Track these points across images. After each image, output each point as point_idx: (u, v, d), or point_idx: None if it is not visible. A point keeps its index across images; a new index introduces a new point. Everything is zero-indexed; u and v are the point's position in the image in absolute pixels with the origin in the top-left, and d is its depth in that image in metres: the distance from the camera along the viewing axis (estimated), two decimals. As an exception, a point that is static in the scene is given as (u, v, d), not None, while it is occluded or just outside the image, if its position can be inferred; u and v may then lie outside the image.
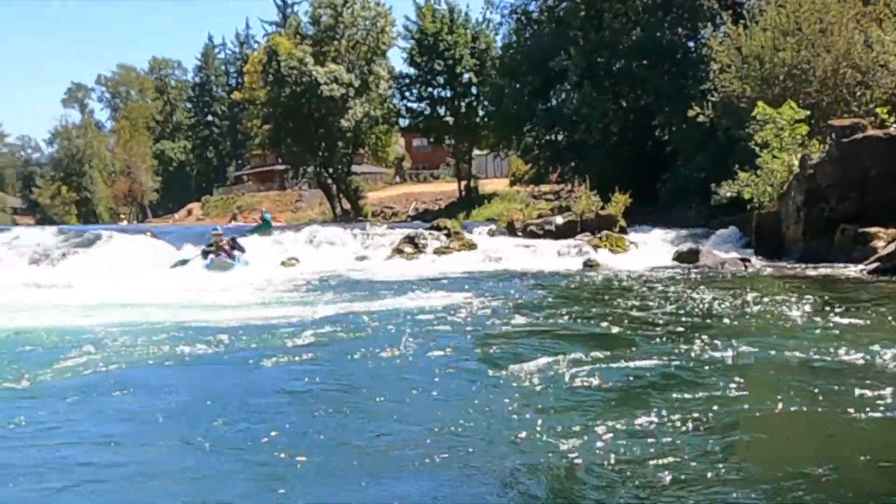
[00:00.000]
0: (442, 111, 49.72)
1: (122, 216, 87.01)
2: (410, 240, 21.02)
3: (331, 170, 50.84)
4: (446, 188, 53.49)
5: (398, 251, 20.40)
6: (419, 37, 48.31)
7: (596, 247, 20.15)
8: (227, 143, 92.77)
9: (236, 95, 66.87)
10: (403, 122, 52.87)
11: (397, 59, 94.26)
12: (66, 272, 16.11)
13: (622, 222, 23.02)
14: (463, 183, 49.90)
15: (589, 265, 16.60)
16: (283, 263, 18.18)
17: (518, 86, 33.33)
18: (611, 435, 3.91)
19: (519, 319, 8.35)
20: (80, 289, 12.81)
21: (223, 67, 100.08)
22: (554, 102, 32.23)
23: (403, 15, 62.67)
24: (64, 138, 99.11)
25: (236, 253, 17.23)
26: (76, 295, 11.87)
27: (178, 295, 11.65)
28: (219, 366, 6.16)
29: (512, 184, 48.86)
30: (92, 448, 3.98)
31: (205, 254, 17.16)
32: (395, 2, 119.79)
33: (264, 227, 23.45)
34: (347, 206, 51.30)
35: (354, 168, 56.19)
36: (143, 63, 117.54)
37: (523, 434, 4.00)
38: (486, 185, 51.24)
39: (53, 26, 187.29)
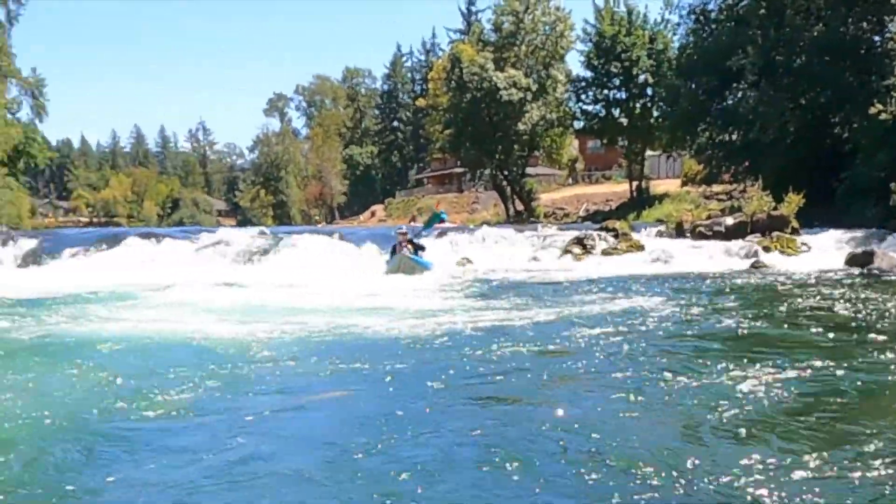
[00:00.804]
0: (616, 113, 49.15)
1: (317, 218, 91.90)
2: (579, 241, 21.23)
3: (506, 172, 51.52)
4: (618, 189, 52.86)
5: (567, 252, 20.68)
6: (597, 39, 48.08)
7: (766, 248, 19.58)
8: (411, 148, 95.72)
9: (420, 102, 68.85)
10: (578, 125, 52.74)
11: (574, 62, 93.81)
12: (258, 272, 17.16)
13: (794, 223, 22.15)
14: (634, 184, 49.15)
15: (756, 267, 16.27)
16: (457, 264, 18.73)
17: (693, 86, 32.72)
18: (795, 467, 3.54)
19: (687, 328, 8.13)
20: (258, 290, 12.94)
21: (409, 75, 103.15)
22: (730, 102, 31.36)
23: (583, 18, 62.52)
24: (264, 145, 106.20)
25: (419, 253, 16.72)
26: (259, 296, 11.90)
27: (357, 299, 11.40)
28: (393, 384, 5.51)
29: (684, 184, 47.60)
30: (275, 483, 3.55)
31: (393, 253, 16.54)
32: (574, 5, 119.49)
33: (435, 219, 23.60)
34: (521, 207, 51.75)
35: (529, 170, 56.73)
36: (337, 73, 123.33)
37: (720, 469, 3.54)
38: (658, 186, 50.16)
39: (258, 41, 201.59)
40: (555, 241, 21.95)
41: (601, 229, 22.65)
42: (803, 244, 20.19)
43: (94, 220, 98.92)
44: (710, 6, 33.96)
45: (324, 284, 13.90)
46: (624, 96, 48.34)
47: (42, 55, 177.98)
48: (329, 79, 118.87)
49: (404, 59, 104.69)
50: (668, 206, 36.79)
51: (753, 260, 17.03)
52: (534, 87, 49.30)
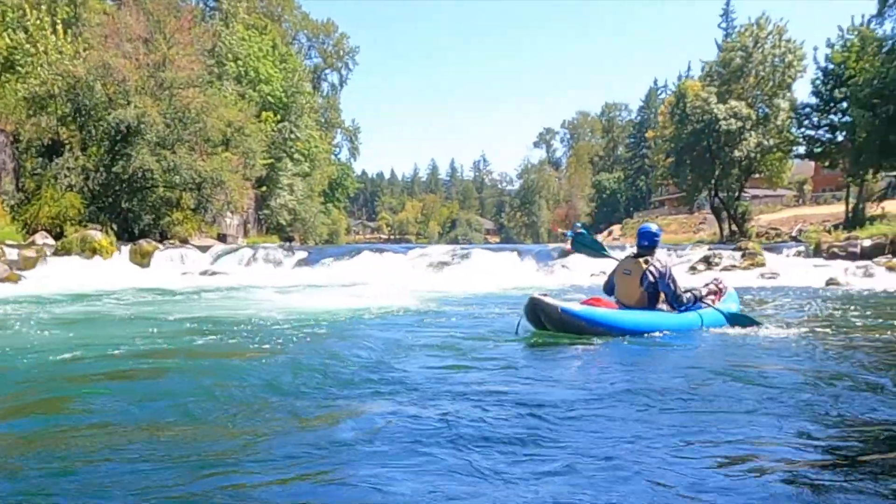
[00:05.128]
0: (840, 137, 46.04)
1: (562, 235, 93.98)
2: (706, 258, 21.76)
3: (721, 195, 50.38)
4: (837, 210, 49.33)
5: (692, 268, 21.25)
6: (824, 66, 45.54)
7: (889, 268, 18.99)
8: (656, 173, 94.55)
9: (649, 134, 68.67)
10: (800, 149, 50.00)
11: (802, 89, 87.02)
12: (432, 280, 19.58)
13: (946, 244, 20.93)
14: (852, 203, 45.63)
15: (830, 284, 16.28)
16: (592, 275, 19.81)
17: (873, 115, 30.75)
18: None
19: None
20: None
21: (662, 107, 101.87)
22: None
23: (813, 46, 59.07)
24: (527, 174, 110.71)
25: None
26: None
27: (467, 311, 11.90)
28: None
29: (912, 205, 43.22)
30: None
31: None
32: (807, 35, 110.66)
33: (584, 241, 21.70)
34: (735, 228, 50.26)
35: (756, 192, 54.40)
36: (598, 108, 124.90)
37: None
38: (888, 207, 46.10)
39: (534, 84, 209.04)
40: (691, 258, 22.28)
41: (735, 249, 22.76)
42: (943, 263, 19.15)
43: (391, 236, 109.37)
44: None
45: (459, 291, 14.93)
46: (849, 120, 45.15)
47: (367, 107, 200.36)
48: (589, 114, 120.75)
49: (659, 91, 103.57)
50: (881, 227, 34.52)
51: (828, 278, 16.90)
52: (754, 117, 47.87)
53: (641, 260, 7.56)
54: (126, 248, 24.53)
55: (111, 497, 2.71)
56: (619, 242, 51.87)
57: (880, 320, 9.04)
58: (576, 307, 7.13)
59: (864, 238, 22.46)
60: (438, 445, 3.35)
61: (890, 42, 31.21)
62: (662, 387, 4.72)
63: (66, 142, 27.90)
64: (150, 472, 2.97)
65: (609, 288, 7.93)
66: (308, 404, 4.22)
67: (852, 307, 10.81)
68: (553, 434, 3.57)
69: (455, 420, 3.78)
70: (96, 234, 24.29)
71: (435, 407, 4.09)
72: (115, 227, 27.67)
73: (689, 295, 7.94)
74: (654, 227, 7.82)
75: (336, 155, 79.29)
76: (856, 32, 41.17)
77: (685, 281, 9.22)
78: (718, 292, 8.59)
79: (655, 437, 3.53)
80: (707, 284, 8.79)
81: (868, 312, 10.01)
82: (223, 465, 3.08)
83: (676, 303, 7.65)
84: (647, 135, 69.04)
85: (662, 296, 7.65)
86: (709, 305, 8.09)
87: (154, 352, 6.24)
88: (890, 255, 20.34)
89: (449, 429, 3.61)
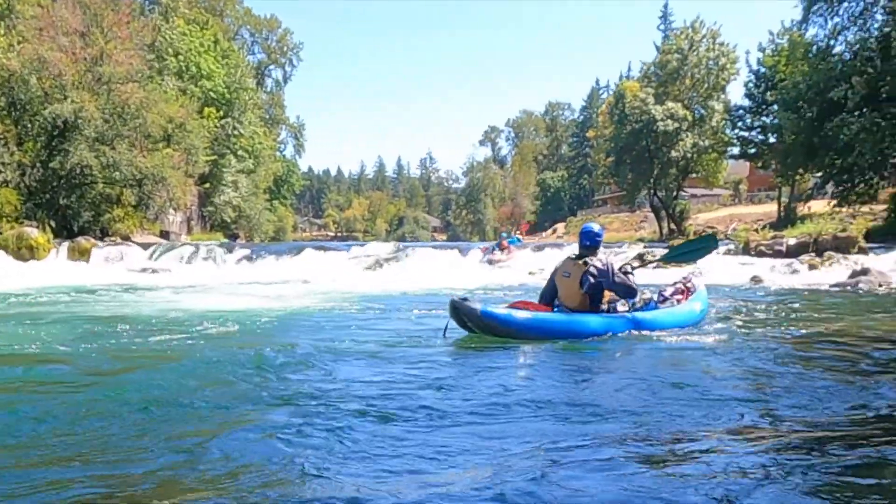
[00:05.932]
0: (772, 139, 47.59)
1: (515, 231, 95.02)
2: (640, 256, 22.24)
3: (660, 194, 51.50)
4: (770, 209, 50.93)
5: (626, 264, 21.76)
6: (756, 69, 46.94)
7: (811, 266, 19.78)
8: (598, 172, 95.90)
9: (590, 133, 69.63)
10: (734, 150, 51.49)
11: (735, 91, 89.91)
12: (370, 278, 19.72)
13: (862, 243, 21.90)
14: (783, 203, 47.31)
15: (755, 281, 16.95)
16: (529, 273, 20.05)
17: (796, 117, 31.94)
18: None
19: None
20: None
21: (602, 107, 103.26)
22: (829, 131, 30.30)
23: (745, 50, 60.80)
24: (473, 172, 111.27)
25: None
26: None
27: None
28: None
29: (839, 204, 44.93)
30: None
31: None
32: (740, 38, 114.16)
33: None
34: (674, 226, 51.41)
35: (695, 191, 55.68)
36: (541, 107, 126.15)
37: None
38: (813, 207, 47.82)
39: (481, 82, 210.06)
40: (627, 255, 22.70)
41: (668, 247, 23.34)
42: (855, 262, 19.99)
43: (338, 234, 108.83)
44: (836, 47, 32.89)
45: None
46: (778, 122, 46.62)
47: (313, 104, 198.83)
48: (533, 113, 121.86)
49: (601, 91, 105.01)
50: (809, 226, 35.67)
51: (753, 275, 17.59)
52: (690, 118, 49.03)
53: (580, 262, 7.39)
54: (64, 246, 24.04)
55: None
56: (563, 240, 52.69)
57: (795, 315, 9.58)
58: (497, 310, 6.97)
59: (791, 237, 23.32)
60: (336, 452, 3.34)
61: (814, 47, 32.13)
62: (575, 392, 4.81)
63: (1, 136, 27.18)
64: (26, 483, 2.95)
65: (548, 293, 7.66)
66: (198, 413, 4.10)
67: (771, 303, 11.38)
68: (455, 441, 3.54)
69: (354, 429, 3.71)
70: (33, 232, 23.78)
71: (336, 415, 3.99)
72: (52, 224, 27.08)
73: (649, 295, 7.90)
74: (595, 226, 7.71)
75: (281, 152, 78.74)
76: (786, 37, 42.60)
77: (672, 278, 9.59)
78: (686, 291, 8.47)
79: (577, 443, 3.53)
80: (675, 283, 8.70)
81: (783, 307, 10.56)
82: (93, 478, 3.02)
83: (629, 297, 7.47)
84: (588, 134, 69.83)
85: (608, 296, 7.47)
86: (673, 305, 8.10)
87: (49, 356, 6.00)
88: (813, 254, 21.21)
89: (349, 439, 3.56)
